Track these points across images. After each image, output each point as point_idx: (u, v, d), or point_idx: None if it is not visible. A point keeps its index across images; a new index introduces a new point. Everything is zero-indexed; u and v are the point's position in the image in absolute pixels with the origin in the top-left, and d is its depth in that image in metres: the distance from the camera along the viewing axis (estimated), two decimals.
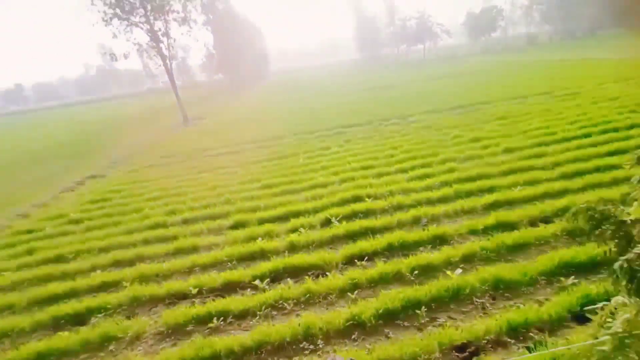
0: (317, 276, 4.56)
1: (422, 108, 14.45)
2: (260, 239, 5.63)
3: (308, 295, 4.17)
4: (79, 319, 4.50)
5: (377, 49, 69.65)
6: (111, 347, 3.95)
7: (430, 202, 5.97)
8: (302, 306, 4.09)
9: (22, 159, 18.31)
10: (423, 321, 3.57)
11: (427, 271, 4.28)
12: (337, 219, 5.83)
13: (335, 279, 4.31)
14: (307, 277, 4.55)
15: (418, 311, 3.64)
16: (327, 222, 5.88)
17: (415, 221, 5.47)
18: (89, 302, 4.65)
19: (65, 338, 4.07)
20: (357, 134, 11.69)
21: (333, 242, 5.33)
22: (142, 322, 4.17)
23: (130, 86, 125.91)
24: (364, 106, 17.56)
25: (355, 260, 4.71)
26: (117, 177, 11.36)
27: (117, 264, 5.71)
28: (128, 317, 4.39)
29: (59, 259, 6.12)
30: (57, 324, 4.48)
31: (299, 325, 3.64)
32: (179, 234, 6.32)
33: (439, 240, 4.85)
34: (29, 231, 7.69)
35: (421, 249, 4.79)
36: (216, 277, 4.75)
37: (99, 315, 4.48)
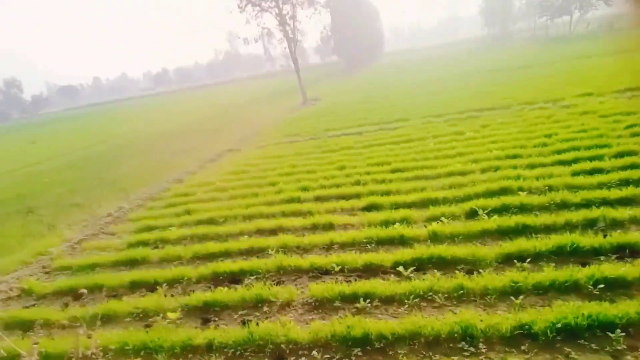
0: (469, 272, 4.17)
1: (576, 90, 12.28)
2: (397, 224, 5.44)
3: (461, 291, 3.83)
4: (234, 278, 4.96)
5: (508, 24, 61.90)
6: (265, 308, 4.23)
7: (607, 202, 4.97)
8: (455, 302, 3.79)
9: (172, 132, 21.39)
10: (619, 348, 2.94)
11: (616, 287, 3.54)
12: (485, 211, 5.28)
13: (493, 279, 3.88)
14: (457, 271, 4.21)
15: (611, 334, 3.02)
16: (472, 214, 5.38)
17: (589, 224, 4.61)
18: (242, 264, 5.07)
19: (225, 293, 4.51)
20: (494, 119, 10.52)
21: (482, 236, 4.84)
22: (291, 291, 4.37)
23: (251, 69, 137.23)
24: (498, 88, 15.78)
25: (514, 261, 4.18)
26: (249, 152, 12.37)
27: (261, 232, 6.15)
28: (277, 284, 4.67)
29: (212, 221, 6.88)
30: (217, 279, 5.01)
31: (457, 323, 3.35)
32: (313, 210, 6.51)
33: (629, 251, 3.98)
34: (185, 194, 8.85)
35: (602, 258, 4.00)
36: (357, 258, 4.72)
37: (251, 277, 4.86)
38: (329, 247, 5.28)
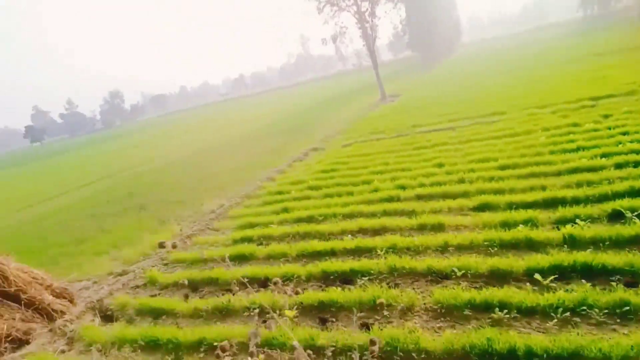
0: (629, 285, 3.54)
1: None
2: (520, 225, 4.90)
3: (626, 307, 3.25)
4: (345, 278, 4.86)
5: (609, 3, 54.49)
6: (385, 312, 4.04)
7: None
8: (619, 320, 3.22)
9: (256, 133, 22.41)
10: None
11: None
12: (635, 213, 4.49)
13: None
14: (612, 283, 3.60)
15: None
16: (616, 216, 4.63)
17: None
18: (352, 264, 4.95)
19: (340, 293, 4.41)
20: (617, 108, 9.12)
21: (638, 243, 4.10)
22: (410, 295, 4.13)
23: (322, 70, 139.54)
24: (613, 72, 13.77)
25: None
26: (335, 150, 12.35)
27: (364, 231, 5.99)
28: (392, 286, 4.45)
29: (311, 220, 6.89)
30: (327, 279, 4.95)
31: (632, 346, 2.82)
32: (417, 209, 6.18)
33: None
34: (279, 192, 9.06)
35: None
36: (480, 262, 4.32)
37: (364, 279, 4.71)
38: (443, 249, 4.93)
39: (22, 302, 5.47)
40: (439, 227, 5.50)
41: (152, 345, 4.50)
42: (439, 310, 3.86)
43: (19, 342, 5.18)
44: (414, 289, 4.34)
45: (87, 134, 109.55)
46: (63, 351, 4.95)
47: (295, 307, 4.48)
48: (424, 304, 4.03)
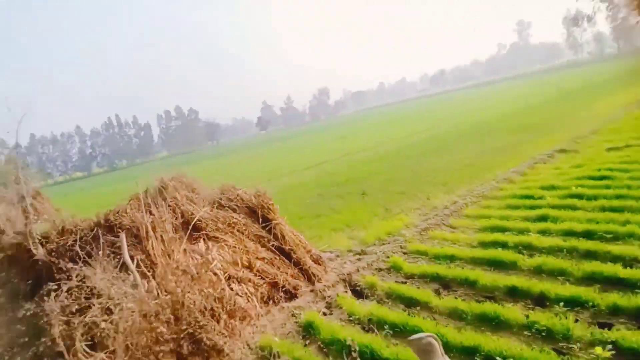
0: None
1: None
2: None
3: None
4: None
5: None
6: None
7: None
8: None
9: (471, 130, 20.74)
10: None
11: None
12: None
13: None
14: None
15: None
16: None
17: None
18: None
19: None
20: None
21: None
22: None
23: (541, 61, 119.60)
24: None
25: None
26: (597, 154, 9.84)
27: None
28: None
29: (591, 236, 5.48)
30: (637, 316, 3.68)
31: None
32: None
33: None
34: (527, 196, 7.77)
35: None
36: None
37: None
38: None
39: (292, 260, 6.31)
40: None
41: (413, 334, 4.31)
42: None
43: (289, 295, 5.97)
44: None
45: (298, 126, 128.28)
46: (325, 314, 5.39)
47: (608, 347, 3.44)
48: None
